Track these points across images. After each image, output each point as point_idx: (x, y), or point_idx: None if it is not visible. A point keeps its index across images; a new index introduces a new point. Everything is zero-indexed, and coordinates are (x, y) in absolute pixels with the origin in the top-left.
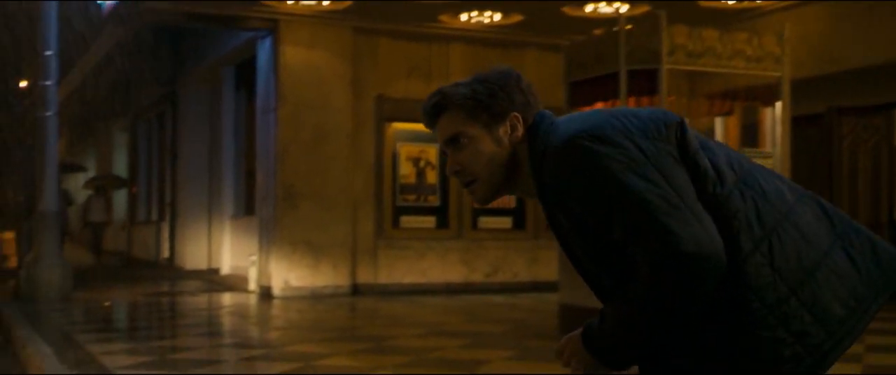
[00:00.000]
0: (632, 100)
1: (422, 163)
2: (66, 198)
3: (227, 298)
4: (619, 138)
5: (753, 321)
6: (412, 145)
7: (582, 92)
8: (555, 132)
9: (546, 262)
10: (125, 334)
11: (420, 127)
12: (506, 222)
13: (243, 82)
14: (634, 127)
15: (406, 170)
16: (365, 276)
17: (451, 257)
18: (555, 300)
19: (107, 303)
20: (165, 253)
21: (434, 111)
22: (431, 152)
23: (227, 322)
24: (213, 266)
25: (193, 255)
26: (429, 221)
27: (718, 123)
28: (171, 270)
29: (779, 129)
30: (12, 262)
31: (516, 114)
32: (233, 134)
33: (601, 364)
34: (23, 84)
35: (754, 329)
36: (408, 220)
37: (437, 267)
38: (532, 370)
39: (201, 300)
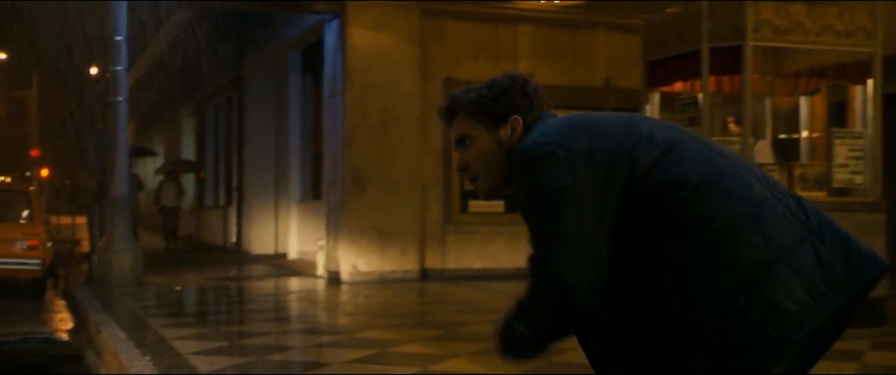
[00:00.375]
0: (713, 79)
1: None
2: (137, 183)
3: (295, 283)
4: (560, 158)
5: (699, 318)
6: None
7: (661, 71)
8: (528, 136)
9: None
10: (196, 319)
11: None
12: None
13: (310, 66)
14: (585, 148)
15: None
16: (433, 261)
17: (519, 242)
18: None
19: (177, 288)
20: (233, 238)
21: (447, 114)
22: None
23: (296, 307)
24: (280, 250)
25: (260, 240)
26: (497, 206)
27: (804, 102)
28: (239, 255)
29: (870, 108)
30: (84, 247)
31: (516, 116)
32: (299, 118)
33: (503, 353)
34: (93, 71)
35: (700, 325)
36: (476, 205)
37: (506, 252)
38: None
39: (270, 285)
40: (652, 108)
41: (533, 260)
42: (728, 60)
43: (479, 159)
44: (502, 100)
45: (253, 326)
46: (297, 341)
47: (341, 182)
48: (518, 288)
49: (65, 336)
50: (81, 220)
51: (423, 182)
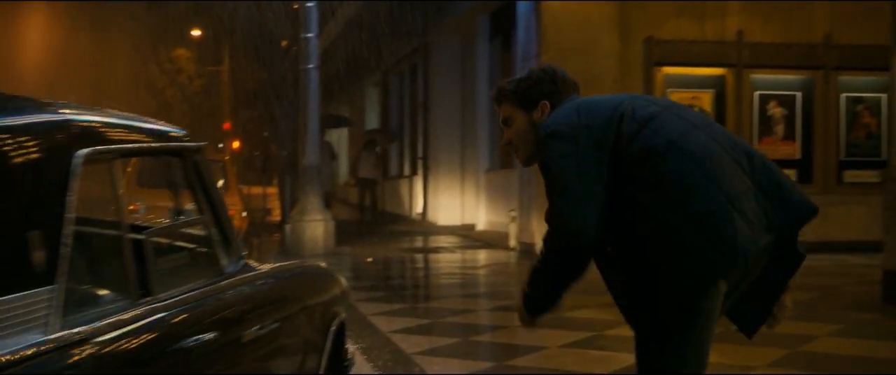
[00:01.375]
0: None
1: (695, 110)
2: (329, 152)
3: (488, 256)
4: (564, 134)
5: (662, 253)
6: (684, 91)
7: None
8: (548, 118)
9: (837, 220)
10: (393, 292)
11: (693, 71)
12: (789, 175)
13: (499, 31)
14: (585, 123)
15: None
16: None
17: None
18: (856, 263)
19: (369, 259)
20: (418, 209)
21: (497, 101)
22: (705, 98)
23: (493, 281)
24: (467, 221)
25: (447, 210)
26: None
27: None
28: (425, 225)
29: None
30: (275, 216)
31: (545, 101)
32: (487, 84)
33: (528, 313)
34: (283, 43)
35: (662, 257)
36: None
37: None
38: (868, 351)
39: (463, 257)
40: None
41: (548, 210)
42: None
43: (518, 135)
44: (535, 89)
45: (451, 302)
46: (499, 319)
47: None
48: None
49: None
50: (272, 190)
51: None
